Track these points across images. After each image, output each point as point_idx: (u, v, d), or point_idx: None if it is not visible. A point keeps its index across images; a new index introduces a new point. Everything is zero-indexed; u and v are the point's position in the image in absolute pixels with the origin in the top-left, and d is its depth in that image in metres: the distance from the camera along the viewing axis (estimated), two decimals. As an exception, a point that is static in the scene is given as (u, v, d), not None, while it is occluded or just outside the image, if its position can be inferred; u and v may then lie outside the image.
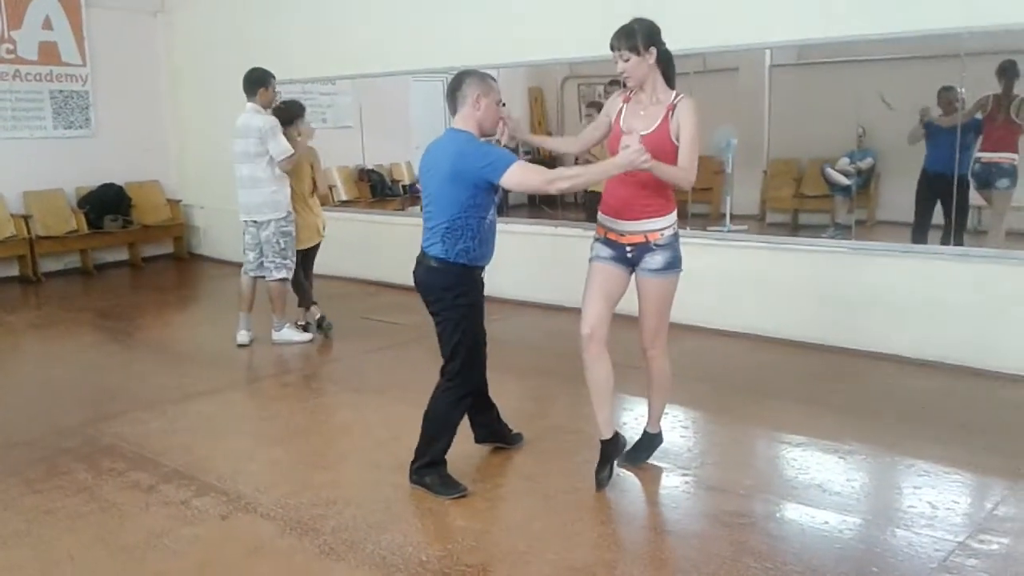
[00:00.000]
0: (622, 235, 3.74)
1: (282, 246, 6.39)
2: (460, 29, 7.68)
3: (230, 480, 4.08)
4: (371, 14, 8.55)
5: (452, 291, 3.71)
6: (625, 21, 3.66)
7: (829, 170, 8.39)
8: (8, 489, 4.04)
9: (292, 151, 6.25)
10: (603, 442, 3.87)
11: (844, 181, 8.12)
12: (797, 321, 6.16)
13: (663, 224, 3.73)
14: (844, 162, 8.19)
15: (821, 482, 3.94)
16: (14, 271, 9.49)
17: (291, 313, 6.69)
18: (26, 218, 9.44)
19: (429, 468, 3.85)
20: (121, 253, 10.41)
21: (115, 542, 3.51)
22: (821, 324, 6.05)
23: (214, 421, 5.05)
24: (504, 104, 3.74)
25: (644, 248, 3.73)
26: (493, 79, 3.77)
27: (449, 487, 3.81)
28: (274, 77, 6.47)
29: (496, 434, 4.30)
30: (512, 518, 3.67)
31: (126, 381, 5.88)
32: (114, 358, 6.63)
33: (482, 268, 3.82)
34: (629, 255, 3.76)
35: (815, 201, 8.82)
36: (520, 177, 3.51)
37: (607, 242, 3.79)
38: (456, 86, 3.70)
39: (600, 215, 3.81)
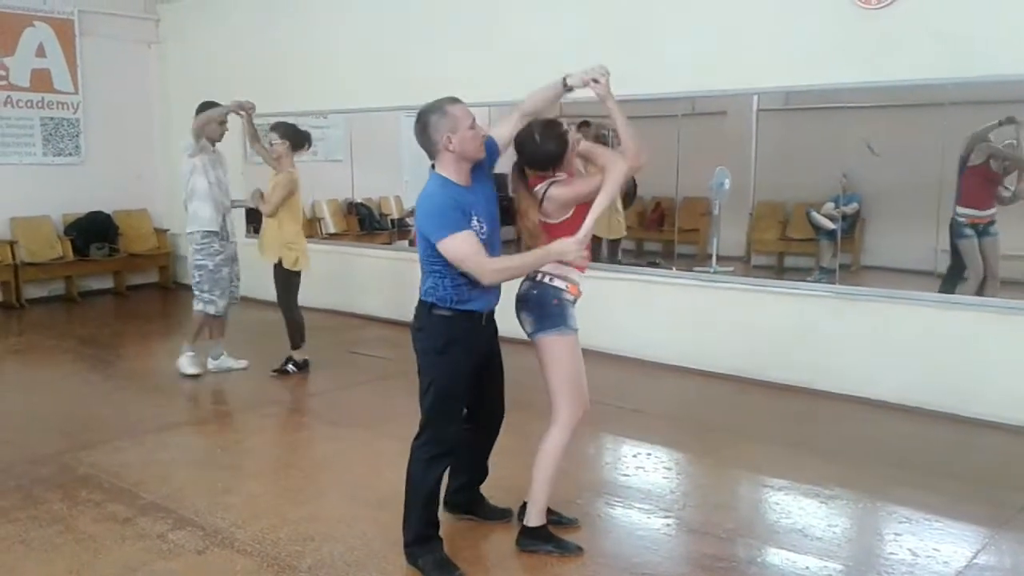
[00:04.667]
0: (581, 290, 3.56)
1: (195, 278, 6.44)
2: (450, 66, 7.75)
3: (207, 514, 4.03)
4: (363, 49, 8.62)
5: (423, 332, 3.39)
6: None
7: (814, 214, 8.45)
8: (-19, 518, 3.98)
9: None
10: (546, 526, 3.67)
11: (829, 225, 8.19)
12: (781, 364, 6.18)
13: None
14: (829, 207, 8.27)
15: (803, 527, 3.93)
16: (-2, 297, 9.43)
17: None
18: (12, 244, 9.40)
19: (421, 546, 3.47)
20: (106, 281, 10.35)
21: (89, 574, 3.46)
22: (805, 367, 6.07)
23: (193, 453, 5.01)
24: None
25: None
26: (454, 100, 3.32)
27: (443, 570, 3.41)
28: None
29: (469, 504, 3.93)
30: (491, 556, 3.63)
31: (105, 410, 5.82)
32: (94, 387, 6.57)
33: (469, 315, 3.37)
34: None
35: (800, 244, 8.88)
36: (455, 252, 3.19)
37: (574, 303, 3.55)
38: (422, 136, 3.30)
39: (577, 274, 3.50)
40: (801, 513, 4.10)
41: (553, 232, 3.40)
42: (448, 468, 3.61)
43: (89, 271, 10.11)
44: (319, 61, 8.98)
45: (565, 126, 3.45)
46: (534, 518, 3.60)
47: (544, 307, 3.46)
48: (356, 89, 8.65)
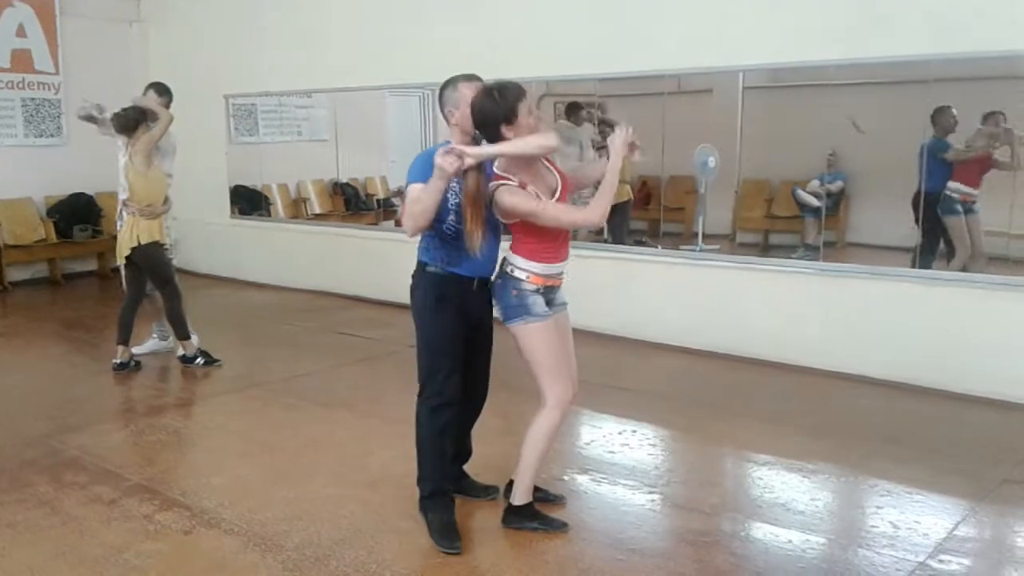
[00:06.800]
0: (558, 277, 3.53)
1: None
2: (436, 45, 7.71)
3: (194, 495, 4.03)
4: (347, 28, 8.56)
5: (417, 291, 3.56)
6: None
7: (799, 192, 8.48)
8: (-33, 502, 3.98)
9: None
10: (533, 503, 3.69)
11: (814, 203, 8.21)
12: (767, 341, 6.21)
13: None
14: (814, 184, 8.29)
15: (786, 501, 3.97)
16: (-20, 280, 9.37)
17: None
18: (-6, 226, 9.35)
19: (433, 501, 3.58)
20: (90, 263, 10.30)
21: (75, 557, 3.47)
22: (790, 345, 6.11)
23: (179, 434, 5.01)
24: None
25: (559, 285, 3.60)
26: (469, 77, 3.47)
27: (444, 537, 3.50)
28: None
29: (454, 481, 3.85)
30: (478, 533, 3.65)
31: (91, 393, 5.81)
32: (79, 369, 6.55)
33: (458, 278, 3.47)
34: (551, 296, 3.56)
35: (785, 222, 8.91)
36: (408, 194, 3.33)
37: (546, 291, 3.49)
38: (439, 107, 3.52)
39: (542, 266, 3.44)
40: (784, 488, 4.14)
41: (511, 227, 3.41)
42: (451, 422, 3.59)
43: (72, 253, 10.05)
44: (303, 39, 8.91)
45: (524, 98, 3.33)
46: (519, 497, 3.62)
47: (505, 298, 3.47)
48: (341, 68, 8.60)
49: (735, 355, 6.31)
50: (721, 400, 5.54)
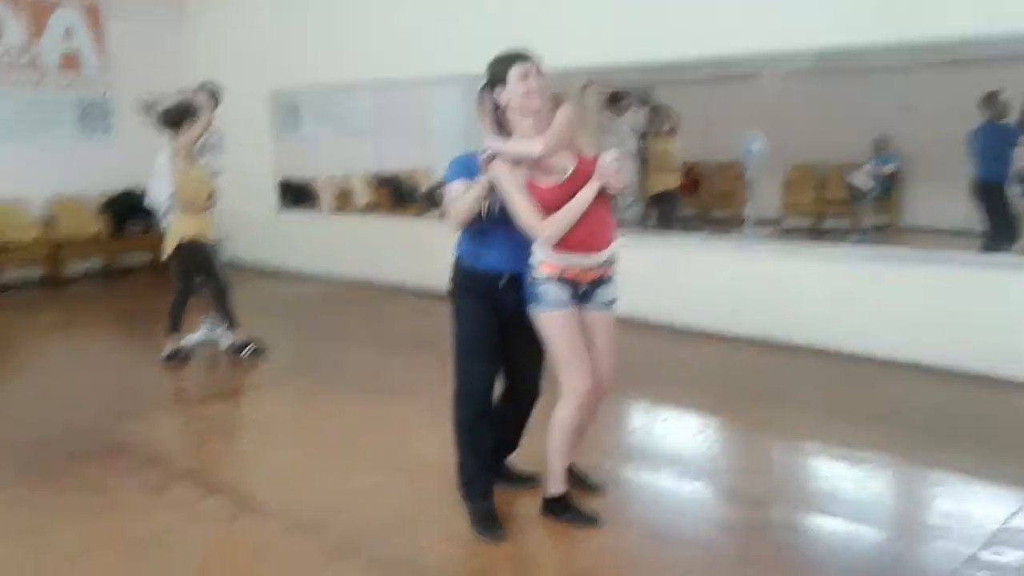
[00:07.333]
0: (584, 272, 3.36)
1: None
2: (481, 36, 7.68)
3: (239, 481, 4.10)
4: (392, 21, 8.59)
5: (452, 282, 3.63)
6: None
7: (851, 176, 8.32)
8: (23, 485, 4.10)
9: None
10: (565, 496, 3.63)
11: (866, 186, 8.05)
12: (815, 328, 6.09)
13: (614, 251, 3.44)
14: (866, 167, 8.12)
15: (833, 490, 3.89)
16: (39, 274, 9.63)
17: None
18: (51, 222, 9.60)
19: (473, 489, 3.59)
20: (144, 256, 10.48)
21: (121, 541, 3.54)
22: (838, 331, 5.98)
23: (228, 423, 5.09)
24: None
25: (599, 281, 3.41)
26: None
27: (483, 526, 3.50)
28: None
29: (495, 467, 3.85)
30: (517, 521, 3.64)
31: (144, 382, 5.92)
32: (132, 359, 6.70)
33: (482, 272, 3.49)
34: (582, 292, 3.39)
35: (837, 206, 8.75)
36: (446, 196, 3.48)
37: (565, 283, 3.34)
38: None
39: (555, 255, 3.31)
40: (831, 477, 4.07)
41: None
42: (484, 410, 3.56)
43: (126, 247, 10.27)
44: (347, 34, 8.96)
45: (519, 64, 3.40)
46: (550, 487, 3.60)
47: (525, 284, 3.42)
48: (385, 61, 8.63)
49: (783, 342, 6.20)
50: (767, 388, 5.45)
